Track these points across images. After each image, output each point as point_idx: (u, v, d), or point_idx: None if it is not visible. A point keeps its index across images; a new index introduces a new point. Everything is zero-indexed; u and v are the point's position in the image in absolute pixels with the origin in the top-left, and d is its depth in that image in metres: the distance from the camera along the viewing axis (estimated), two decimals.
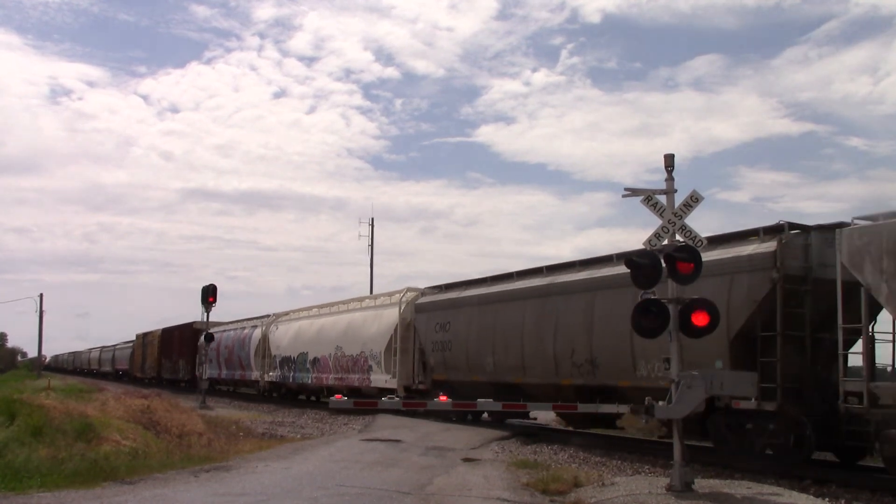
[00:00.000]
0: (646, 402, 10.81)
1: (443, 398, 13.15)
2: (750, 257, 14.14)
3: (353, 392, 27.02)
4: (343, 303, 31.56)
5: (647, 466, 14.12)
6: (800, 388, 13.61)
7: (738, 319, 14.02)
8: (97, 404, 21.10)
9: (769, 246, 13.93)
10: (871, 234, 12.30)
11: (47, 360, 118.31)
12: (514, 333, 19.75)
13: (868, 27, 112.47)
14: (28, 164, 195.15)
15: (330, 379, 29.82)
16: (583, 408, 14.23)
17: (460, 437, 18.47)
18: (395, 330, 25.23)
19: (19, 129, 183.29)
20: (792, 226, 14.17)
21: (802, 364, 13.70)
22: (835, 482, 12.25)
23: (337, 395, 12.04)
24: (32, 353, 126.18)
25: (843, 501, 11.18)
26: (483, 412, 20.02)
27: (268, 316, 38.22)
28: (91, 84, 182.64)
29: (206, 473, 12.55)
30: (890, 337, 12.57)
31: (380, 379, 25.78)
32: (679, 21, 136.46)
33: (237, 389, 40.79)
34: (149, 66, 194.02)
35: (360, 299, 30.46)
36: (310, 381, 31.72)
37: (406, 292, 26.07)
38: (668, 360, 11.77)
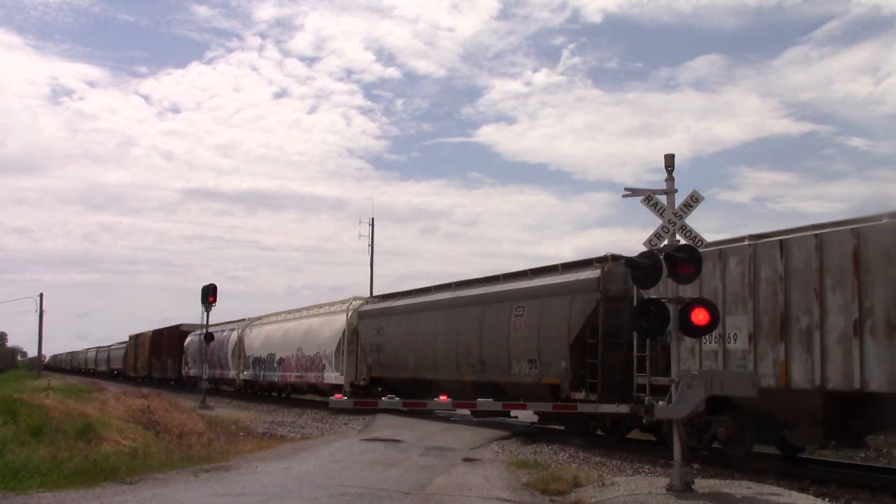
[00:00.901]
0: (646, 402, 10.83)
1: (443, 398, 13.16)
2: (583, 281, 17.58)
3: (310, 388, 32.28)
4: (306, 309, 34.92)
5: (647, 466, 14.12)
6: (617, 383, 16.55)
7: (575, 329, 17.38)
8: (97, 404, 21.12)
9: (595, 273, 17.32)
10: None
11: (46, 359, 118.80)
12: (429, 338, 23.40)
13: (869, 27, 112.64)
14: (28, 164, 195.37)
15: (293, 377, 33.28)
16: (582, 407, 14.25)
17: (460, 437, 18.47)
18: (343, 334, 28.84)
19: (20, 129, 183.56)
20: (615, 257, 17.32)
21: (619, 364, 16.56)
22: (835, 482, 12.26)
23: (337, 395, 12.05)
24: (32, 352, 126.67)
25: (843, 501, 11.19)
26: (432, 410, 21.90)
27: (243, 320, 41.20)
28: (92, 84, 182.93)
29: (206, 473, 12.55)
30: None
31: (331, 376, 29.25)
32: (680, 21, 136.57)
33: (218, 387, 43.20)
34: (150, 67, 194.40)
35: (319, 306, 33.59)
36: (276, 379, 35.27)
37: (352, 301, 29.96)
38: (532, 363, 17.39)
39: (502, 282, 21.35)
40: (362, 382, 27.34)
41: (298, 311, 35.71)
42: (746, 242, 14.08)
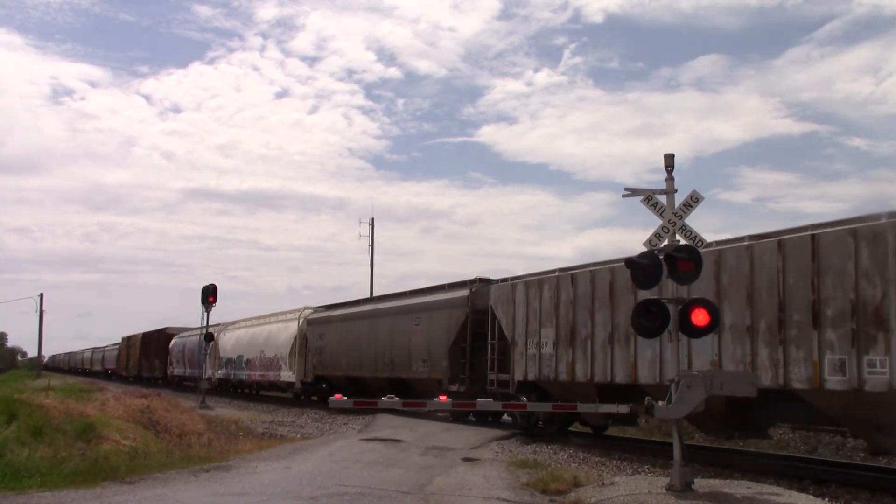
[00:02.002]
0: (646, 402, 10.82)
1: (443, 398, 13.15)
2: (458, 299, 22.69)
3: (271, 385, 36.77)
4: (270, 315, 39.20)
5: (646, 466, 14.13)
6: (482, 378, 20.95)
7: (452, 335, 22.45)
8: (97, 404, 21.10)
9: (466, 292, 22.42)
10: (500, 289, 20.44)
11: (45, 360, 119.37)
12: (356, 342, 28.19)
13: (871, 27, 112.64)
14: (29, 164, 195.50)
15: (257, 375, 37.64)
16: (582, 407, 14.24)
17: (460, 436, 18.47)
18: (295, 339, 33.24)
19: (20, 129, 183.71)
20: (482, 280, 22.30)
21: (482, 364, 20.99)
22: (835, 482, 12.26)
23: (337, 395, 12.02)
24: (32, 352, 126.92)
25: (843, 501, 11.19)
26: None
27: (219, 324, 44.60)
28: (93, 84, 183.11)
29: (206, 473, 12.55)
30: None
31: (286, 374, 33.91)
32: (681, 21, 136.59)
33: (197, 384, 44.99)
34: (151, 66, 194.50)
35: (279, 314, 37.81)
36: (244, 378, 39.38)
37: (303, 310, 34.27)
38: (425, 362, 23.31)
39: (408, 297, 26.45)
40: (309, 380, 32.14)
41: (263, 317, 39.92)
42: (556, 274, 18.42)
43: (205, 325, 36.09)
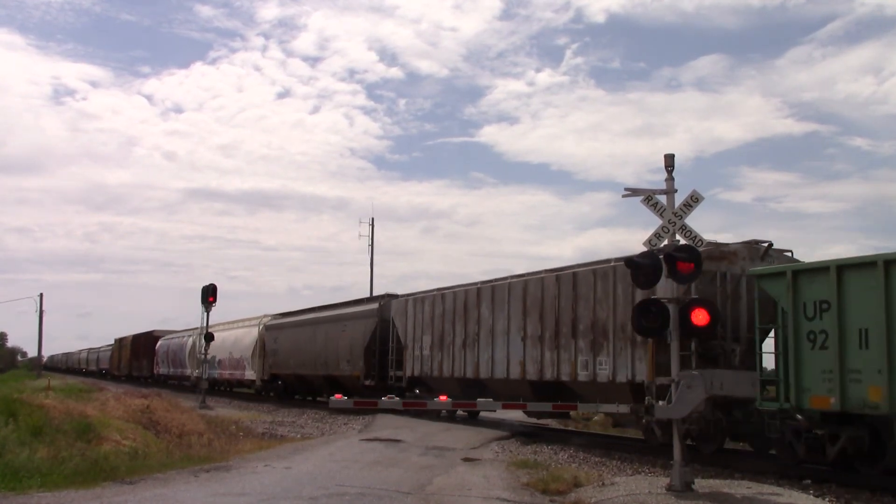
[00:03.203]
0: (646, 402, 10.84)
1: (443, 398, 13.17)
2: (369, 310, 28.05)
3: (238, 383, 41.22)
4: (238, 321, 43.65)
5: (647, 466, 14.11)
6: (386, 375, 26.14)
7: (366, 340, 27.38)
8: (97, 404, 21.11)
9: (376, 306, 27.75)
10: (398, 303, 25.86)
11: (44, 360, 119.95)
12: (301, 345, 32.71)
13: (872, 27, 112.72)
14: (30, 164, 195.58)
15: (227, 374, 41.98)
16: (583, 407, 14.24)
17: (460, 437, 18.47)
18: (256, 342, 37.64)
19: (22, 129, 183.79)
20: (390, 295, 27.62)
21: (387, 363, 26.17)
22: (835, 482, 12.25)
23: (337, 395, 12.02)
24: (32, 352, 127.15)
25: (843, 501, 11.18)
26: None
27: (196, 328, 46.83)
28: (94, 84, 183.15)
29: (207, 473, 12.55)
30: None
31: (249, 373, 38.53)
32: (683, 21, 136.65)
33: (181, 383, 50.08)
34: (152, 67, 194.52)
35: (244, 320, 42.03)
36: (217, 376, 42.86)
37: (263, 317, 38.63)
38: (348, 362, 28.24)
39: (339, 308, 31.43)
40: (266, 377, 36.70)
41: (232, 322, 44.16)
42: (433, 293, 23.46)
43: (205, 325, 36.08)
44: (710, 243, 14.74)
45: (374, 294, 34.53)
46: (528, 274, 19.55)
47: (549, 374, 17.93)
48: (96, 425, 16.10)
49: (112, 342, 77.52)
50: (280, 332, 35.60)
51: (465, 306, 21.74)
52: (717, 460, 14.27)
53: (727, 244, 15.33)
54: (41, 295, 78.03)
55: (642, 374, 15.35)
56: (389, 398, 12.02)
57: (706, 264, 13.19)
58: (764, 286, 13.23)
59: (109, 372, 74.46)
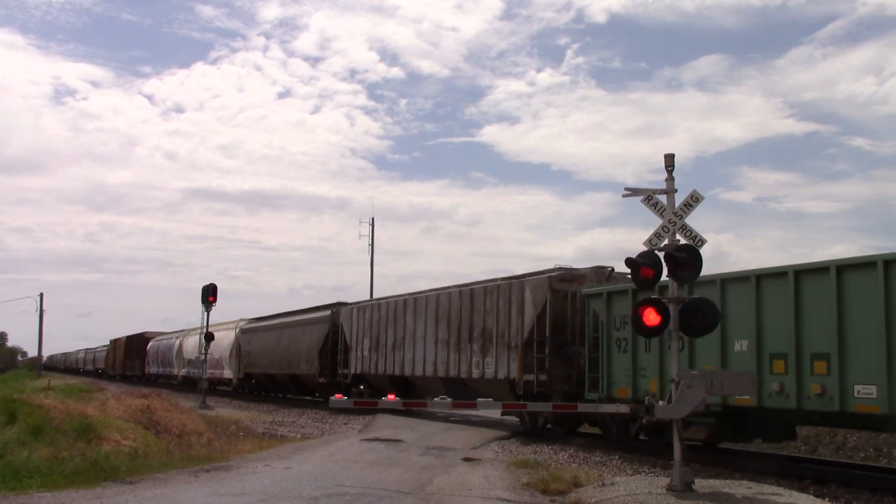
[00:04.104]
0: (646, 402, 10.82)
1: (442, 398, 13.14)
2: (325, 317, 31.66)
3: (218, 381, 44.03)
4: (218, 324, 45.92)
5: (646, 466, 14.12)
6: (338, 373, 30.08)
7: (321, 343, 31.14)
8: (97, 404, 21.08)
9: (329, 312, 31.52)
10: (347, 310, 29.79)
11: (43, 360, 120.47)
12: (268, 347, 36.68)
13: (874, 27, 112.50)
14: (31, 164, 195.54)
15: (208, 373, 44.76)
16: (583, 407, 14.27)
17: (460, 436, 18.47)
18: (233, 344, 41.30)
19: (23, 129, 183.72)
20: (341, 303, 31.17)
21: (339, 362, 30.06)
22: (835, 482, 12.26)
23: (337, 395, 12.01)
24: (33, 352, 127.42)
25: (843, 501, 11.18)
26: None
27: (183, 330, 52.59)
28: (95, 84, 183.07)
29: (207, 473, 12.55)
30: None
31: (227, 372, 42.17)
32: (684, 21, 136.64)
33: (169, 381, 53.61)
34: (154, 66, 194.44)
35: (224, 323, 44.50)
36: (201, 375, 45.83)
37: (240, 321, 42.62)
38: (307, 362, 32.41)
39: (301, 314, 34.85)
40: (241, 376, 40.17)
41: (213, 325, 47.02)
42: (372, 302, 28.09)
43: (204, 325, 36.10)
44: (562, 268, 19.04)
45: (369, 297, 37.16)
46: (441, 288, 23.57)
47: (453, 373, 21.95)
48: (96, 425, 16.09)
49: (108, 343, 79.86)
50: (253, 335, 39.23)
51: (395, 315, 25.79)
52: (717, 460, 14.28)
53: (578, 269, 18.91)
54: (41, 295, 78.41)
55: (514, 372, 19.18)
56: (389, 398, 12.01)
57: (560, 285, 18.38)
58: (591, 304, 17.11)
59: (105, 371, 77.32)
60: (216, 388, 45.44)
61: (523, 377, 18.69)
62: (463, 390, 20.98)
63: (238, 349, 40.42)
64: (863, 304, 11.49)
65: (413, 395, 24.78)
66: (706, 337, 12.37)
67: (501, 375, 19.62)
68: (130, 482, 11.51)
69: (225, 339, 41.99)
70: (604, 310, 16.46)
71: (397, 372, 25.15)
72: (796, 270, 12.50)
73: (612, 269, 18.76)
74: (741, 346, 13.30)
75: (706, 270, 11.08)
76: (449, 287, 23.05)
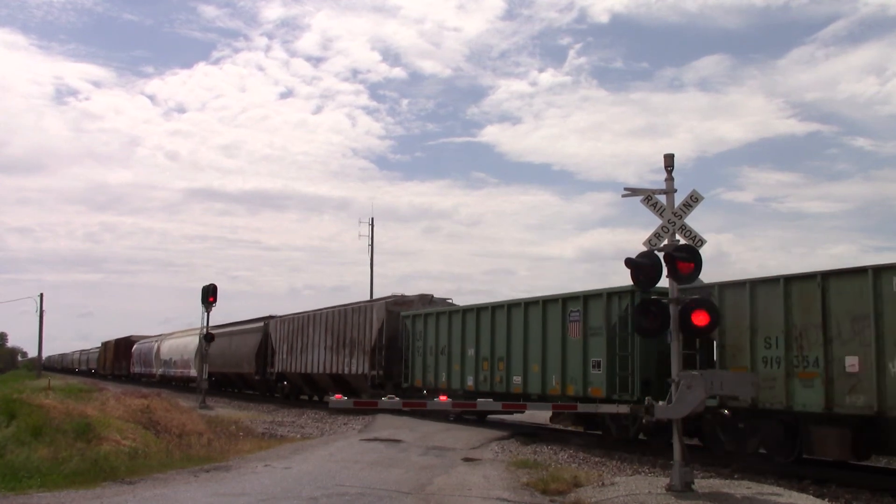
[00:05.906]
0: (646, 402, 10.81)
1: (443, 398, 13.14)
2: (259, 327, 38.88)
3: (187, 379, 48.31)
4: (186, 330, 52.14)
5: (646, 466, 14.12)
6: (274, 372, 36.65)
7: (256, 347, 38.44)
8: (97, 404, 21.09)
9: (262, 323, 38.67)
10: (274, 322, 37.47)
11: (43, 360, 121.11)
12: (224, 349, 42.27)
13: (875, 27, 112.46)
14: (32, 164, 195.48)
15: (178, 373, 50.83)
16: (582, 408, 14.25)
17: (460, 437, 18.46)
18: (198, 347, 43.68)
19: (24, 129, 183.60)
20: (272, 316, 37.89)
21: (273, 363, 36.76)
22: (835, 482, 12.25)
23: (337, 395, 12.00)
24: (33, 352, 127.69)
25: (843, 501, 11.18)
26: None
27: (161, 335, 59.65)
28: (97, 84, 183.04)
29: (206, 473, 12.55)
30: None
31: (192, 372, 45.85)
32: (685, 21, 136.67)
33: (150, 379, 58.29)
34: (155, 66, 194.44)
35: (189, 329, 49.25)
36: (172, 374, 52.40)
37: (202, 328, 43.86)
38: (248, 363, 40.98)
39: (246, 324, 41.89)
40: (204, 376, 41.98)
41: (183, 331, 53.70)
42: (292, 315, 34.31)
43: (204, 325, 36.10)
44: (395, 295, 28.02)
45: (376, 297, 39.70)
46: (329, 308, 32.00)
47: (335, 370, 29.89)
48: (96, 425, 16.09)
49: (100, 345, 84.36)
50: (216, 339, 44.27)
51: (302, 327, 33.56)
52: (717, 460, 14.28)
53: (408, 296, 27.57)
54: (42, 295, 78.32)
55: (367, 368, 27.26)
56: (389, 398, 12.00)
57: (393, 307, 26.82)
58: (404, 322, 25.39)
59: (98, 371, 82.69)
60: (187, 385, 49.23)
61: (371, 372, 27.01)
62: (341, 383, 29.82)
63: (201, 352, 43.04)
64: None
65: (315, 388, 34.80)
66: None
67: (361, 371, 27.74)
68: (130, 482, 11.51)
69: (191, 343, 47.87)
70: (411, 326, 24.89)
71: (304, 370, 33.00)
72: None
73: (432, 296, 27.18)
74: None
75: (706, 271, 11.11)
76: (335, 306, 31.53)
